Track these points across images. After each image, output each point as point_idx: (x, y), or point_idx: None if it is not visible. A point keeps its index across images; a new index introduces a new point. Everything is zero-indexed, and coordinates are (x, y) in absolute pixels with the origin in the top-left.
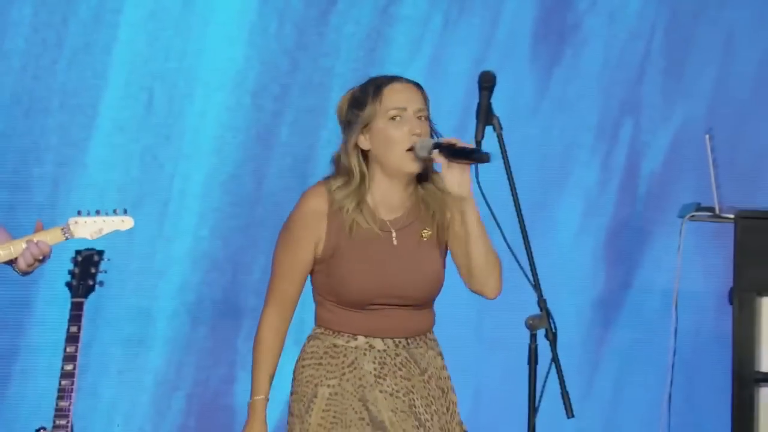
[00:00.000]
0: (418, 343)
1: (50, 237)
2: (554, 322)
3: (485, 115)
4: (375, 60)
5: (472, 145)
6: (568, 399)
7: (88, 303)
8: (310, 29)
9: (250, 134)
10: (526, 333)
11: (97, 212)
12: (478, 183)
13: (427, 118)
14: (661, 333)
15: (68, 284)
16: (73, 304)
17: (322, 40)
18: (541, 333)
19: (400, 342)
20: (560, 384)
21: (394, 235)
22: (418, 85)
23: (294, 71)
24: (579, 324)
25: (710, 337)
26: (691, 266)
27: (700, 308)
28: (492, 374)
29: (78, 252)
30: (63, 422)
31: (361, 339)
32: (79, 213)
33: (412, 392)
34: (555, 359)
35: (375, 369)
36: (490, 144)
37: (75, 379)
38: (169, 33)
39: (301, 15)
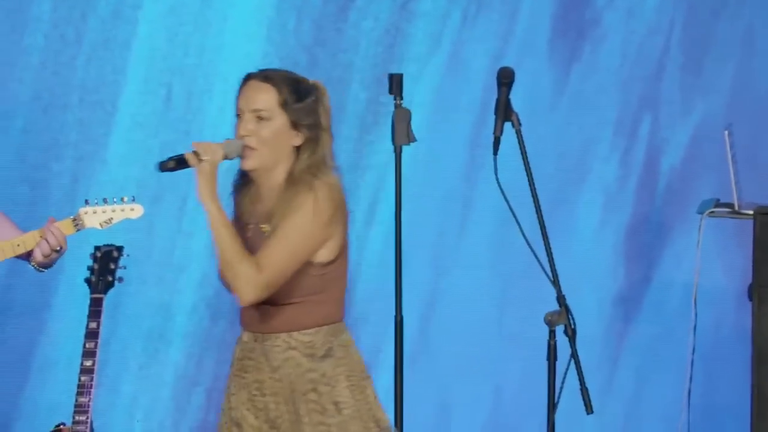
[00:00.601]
0: (274, 341)
1: (62, 227)
2: (573, 318)
3: (504, 111)
4: (394, 56)
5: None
6: (588, 395)
7: (108, 299)
8: (329, 25)
9: None
10: (546, 329)
11: (105, 201)
12: (497, 178)
13: (269, 119)
14: (680, 329)
15: (87, 280)
16: (92, 300)
17: (341, 36)
18: (560, 329)
19: (258, 336)
20: (580, 380)
21: (250, 227)
22: (270, 82)
23: (313, 67)
24: (598, 320)
25: (730, 333)
26: (710, 262)
27: (720, 304)
28: (511, 370)
29: (97, 248)
30: (83, 418)
31: (241, 329)
32: (86, 202)
33: (263, 387)
34: (574, 355)
35: (237, 360)
36: (509, 140)
37: (94, 375)
38: (187, 29)
39: (319, 11)
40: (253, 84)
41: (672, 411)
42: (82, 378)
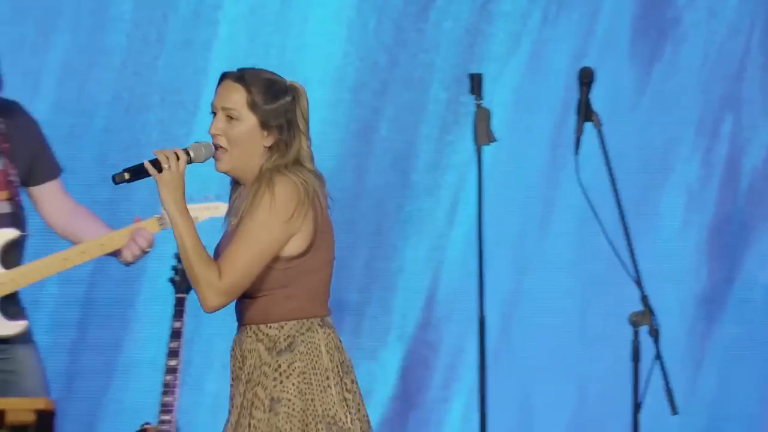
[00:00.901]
0: (247, 333)
1: (148, 226)
2: (657, 319)
3: (585, 111)
4: (474, 56)
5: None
6: (673, 396)
7: (191, 298)
8: (409, 25)
9: (350, 130)
10: (628, 329)
11: (189, 199)
12: (579, 178)
13: (239, 119)
14: (764, 329)
15: (171, 280)
16: (176, 299)
17: (421, 36)
18: (644, 329)
19: (243, 329)
20: (664, 380)
21: (229, 221)
22: (241, 82)
23: (393, 67)
24: (682, 320)
25: None
26: None
27: None
28: (595, 370)
29: None
30: (168, 417)
31: None
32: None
33: (239, 378)
34: (659, 355)
35: (231, 352)
36: (590, 140)
37: (179, 374)
38: (268, 29)
39: (399, 11)
40: (227, 83)
41: (757, 411)
42: (167, 377)
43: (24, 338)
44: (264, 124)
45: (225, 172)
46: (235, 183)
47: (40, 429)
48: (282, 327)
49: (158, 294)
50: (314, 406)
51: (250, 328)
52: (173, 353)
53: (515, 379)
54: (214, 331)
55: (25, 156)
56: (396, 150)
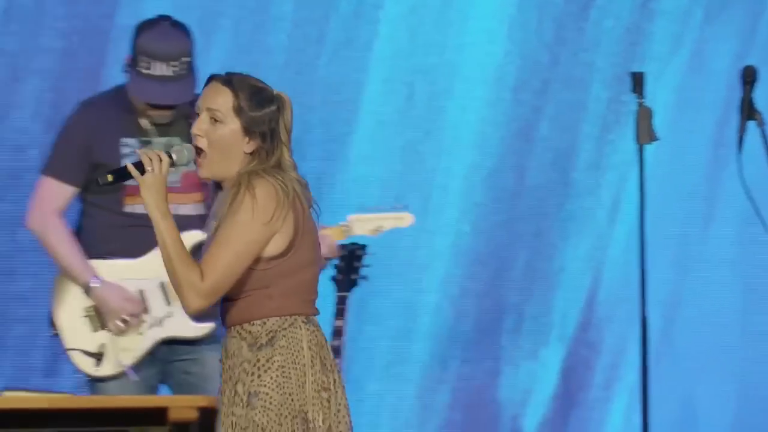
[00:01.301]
0: (232, 333)
1: (332, 234)
2: None
3: (748, 110)
4: (635, 55)
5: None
6: None
7: (353, 297)
8: (570, 24)
9: (511, 129)
10: None
11: (375, 208)
12: (742, 177)
13: (222, 121)
14: None
15: (333, 278)
16: (338, 298)
17: (582, 35)
18: None
19: (228, 331)
20: None
21: (210, 225)
22: (229, 85)
23: (554, 66)
24: None
25: None
26: None
27: None
28: (758, 371)
29: (342, 246)
30: None
31: None
32: (358, 210)
33: (224, 378)
34: None
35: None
36: (752, 139)
37: (341, 373)
38: (429, 28)
39: (560, 10)
40: (214, 85)
41: None
42: None
43: (211, 340)
44: (247, 130)
45: (206, 179)
46: (217, 188)
47: (203, 426)
48: (264, 323)
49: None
50: (291, 400)
51: (235, 329)
52: (335, 352)
53: (677, 379)
54: (376, 330)
55: None
56: (556, 149)
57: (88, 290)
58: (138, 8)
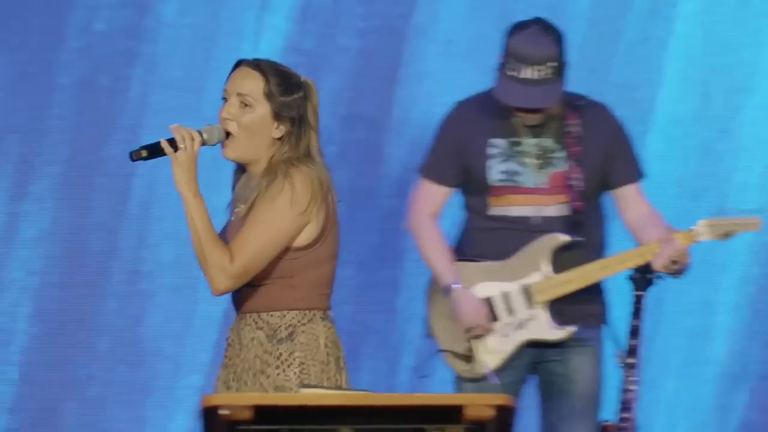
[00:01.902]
0: (247, 321)
1: (679, 238)
2: None
3: None
4: None
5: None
6: None
7: (649, 296)
8: None
9: None
10: None
11: (726, 212)
12: None
13: (252, 105)
14: None
15: (631, 277)
16: (635, 297)
17: None
18: None
19: (238, 316)
20: None
21: (235, 211)
22: (259, 70)
23: None
24: None
25: None
26: None
27: None
28: None
29: None
30: (627, 415)
31: None
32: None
33: (236, 368)
34: None
35: (226, 340)
36: None
37: (638, 372)
38: (725, 26)
39: None
40: (243, 69)
41: None
42: (627, 374)
43: (576, 343)
44: (277, 115)
45: (232, 160)
46: (238, 171)
47: (500, 425)
48: (284, 316)
49: (615, 292)
50: None
51: (250, 317)
52: (632, 351)
53: None
54: (672, 329)
55: (597, 159)
56: None
57: (445, 292)
58: (434, 8)
